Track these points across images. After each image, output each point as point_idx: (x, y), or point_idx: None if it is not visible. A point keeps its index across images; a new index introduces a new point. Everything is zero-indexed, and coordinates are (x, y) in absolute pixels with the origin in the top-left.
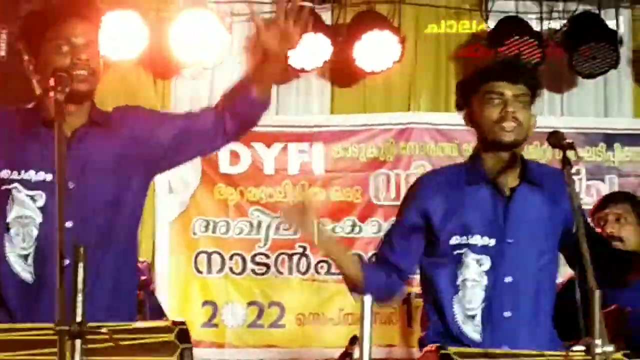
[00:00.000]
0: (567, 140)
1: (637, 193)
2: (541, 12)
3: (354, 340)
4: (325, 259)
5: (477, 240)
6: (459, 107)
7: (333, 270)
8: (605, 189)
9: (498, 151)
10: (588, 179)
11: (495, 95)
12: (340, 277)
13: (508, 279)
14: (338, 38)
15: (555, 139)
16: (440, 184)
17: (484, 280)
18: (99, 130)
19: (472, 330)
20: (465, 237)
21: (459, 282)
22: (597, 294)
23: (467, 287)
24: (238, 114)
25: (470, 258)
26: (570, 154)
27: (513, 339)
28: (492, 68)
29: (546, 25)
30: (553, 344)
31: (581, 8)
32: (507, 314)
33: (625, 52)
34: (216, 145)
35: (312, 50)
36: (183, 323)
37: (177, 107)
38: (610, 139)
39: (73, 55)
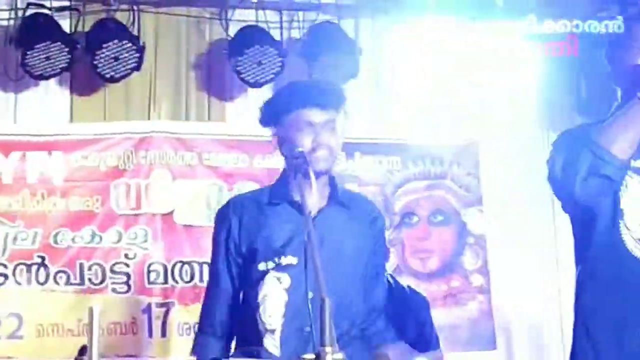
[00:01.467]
0: (298, 149)
1: (377, 202)
2: (281, 22)
3: (83, 351)
4: (64, 269)
5: (281, 260)
6: (264, 124)
7: (72, 280)
8: None
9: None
10: None
11: (306, 123)
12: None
13: (310, 295)
14: (77, 46)
15: (287, 149)
16: (244, 205)
17: (285, 297)
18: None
19: (272, 346)
20: (272, 260)
21: (259, 299)
22: (327, 302)
23: (268, 304)
24: None
25: (272, 275)
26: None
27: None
28: (304, 93)
29: (286, 34)
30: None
31: (321, 18)
32: (307, 328)
33: (364, 62)
34: None
35: (50, 57)
36: None
37: None
38: (350, 148)
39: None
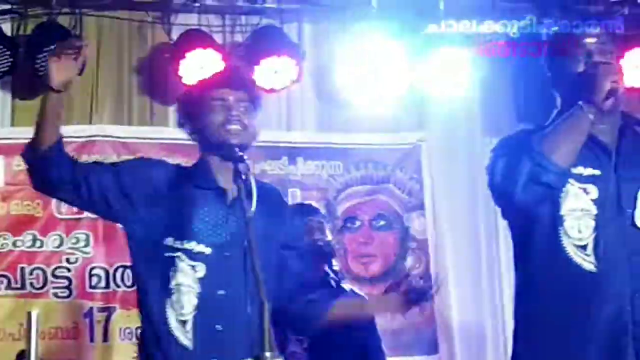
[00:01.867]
0: (239, 153)
1: (320, 206)
2: (224, 26)
3: (22, 355)
4: (5, 273)
5: (193, 246)
6: (181, 124)
7: (13, 285)
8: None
9: (223, 158)
10: None
11: (218, 101)
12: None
13: (221, 292)
14: (19, 49)
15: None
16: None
17: (198, 288)
18: None
19: (184, 338)
20: (180, 242)
21: (172, 285)
22: (267, 306)
23: (182, 293)
24: None
25: (185, 263)
26: (241, 166)
27: (224, 352)
28: (214, 77)
29: (229, 38)
30: None
31: (264, 22)
32: (218, 327)
33: (308, 67)
34: None
35: None
36: None
37: None
38: (293, 153)
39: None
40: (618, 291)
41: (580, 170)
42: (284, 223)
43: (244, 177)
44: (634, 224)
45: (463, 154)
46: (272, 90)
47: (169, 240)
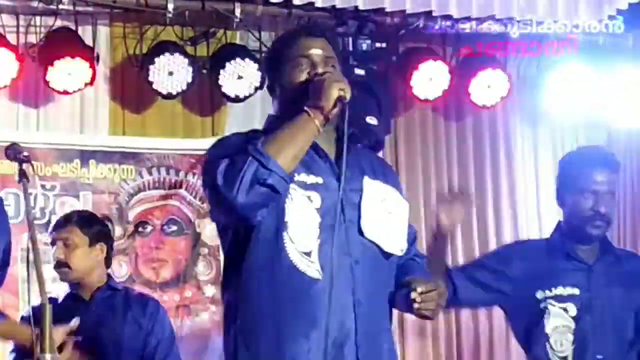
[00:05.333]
0: (24, 154)
1: (111, 210)
2: (18, 26)
3: None
4: None
5: None
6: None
7: None
8: (79, 205)
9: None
10: (62, 195)
11: None
12: None
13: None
14: None
15: (12, 151)
16: None
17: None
18: None
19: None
20: None
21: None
22: (48, 308)
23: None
24: None
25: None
26: (26, 167)
27: None
28: None
29: (23, 38)
30: None
31: (59, 23)
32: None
33: (102, 70)
34: None
35: None
36: None
37: None
38: (85, 156)
39: None
40: (341, 299)
41: (303, 177)
42: None
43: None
44: (360, 233)
45: None
46: (65, 92)
47: None
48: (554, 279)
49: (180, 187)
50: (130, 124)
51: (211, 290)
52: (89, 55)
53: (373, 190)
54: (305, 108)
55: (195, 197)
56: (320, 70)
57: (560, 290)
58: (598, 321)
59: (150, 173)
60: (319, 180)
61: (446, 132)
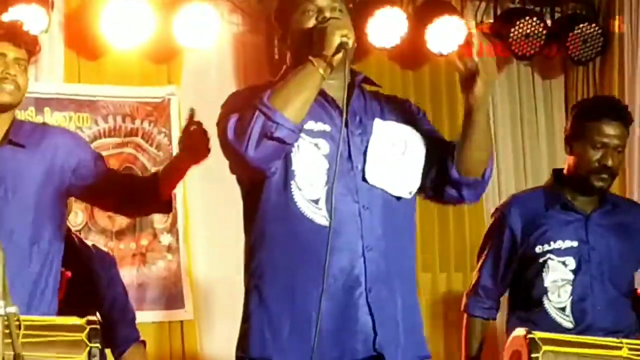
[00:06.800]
0: None
1: None
2: None
3: None
4: None
5: None
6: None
7: None
8: None
9: None
10: None
11: None
12: None
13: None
14: None
15: None
16: None
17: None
18: None
19: (320, 215)
20: None
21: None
22: (2, 255)
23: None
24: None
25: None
26: None
27: None
28: None
29: None
30: None
31: None
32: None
33: (56, 17)
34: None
35: None
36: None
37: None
38: (40, 103)
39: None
40: (349, 245)
41: (311, 125)
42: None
43: None
44: (364, 179)
45: (215, 108)
46: None
47: None
48: (552, 232)
49: (136, 135)
50: (86, 72)
51: (167, 239)
52: (45, 1)
53: (383, 132)
54: (310, 57)
55: (151, 145)
56: (327, 14)
57: (559, 244)
58: (596, 273)
59: (106, 121)
60: (327, 127)
61: (403, 81)
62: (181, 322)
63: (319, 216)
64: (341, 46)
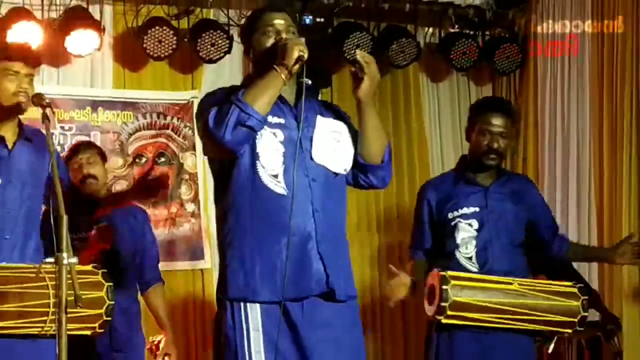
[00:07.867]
0: (46, 101)
1: (115, 146)
2: (42, 5)
3: None
4: None
5: None
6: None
7: None
8: None
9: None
10: (77, 135)
11: (11, 72)
12: None
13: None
14: None
15: (37, 99)
16: None
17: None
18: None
19: (280, 187)
20: None
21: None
22: (65, 218)
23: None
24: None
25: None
26: (48, 111)
27: None
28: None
29: (46, 14)
30: None
31: (74, 2)
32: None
33: (107, 39)
34: None
35: None
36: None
37: None
38: (95, 104)
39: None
40: (303, 209)
41: (270, 119)
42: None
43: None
44: (312, 159)
45: None
46: (79, 56)
47: None
48: (460, 201)
49: (168, 128)
50: (130, 80)
51: (191, 207)
52: (97, 27)
53: (325, 125)
54: (274, 66)
55: (179, 136)
56: (284, 36)
57: (465, 210)
58: (494, 230)
59: (144, 117)
60: (282, 120)
61: None
62: (202, 270)
63: (279, 187)
64: (299, 58)
